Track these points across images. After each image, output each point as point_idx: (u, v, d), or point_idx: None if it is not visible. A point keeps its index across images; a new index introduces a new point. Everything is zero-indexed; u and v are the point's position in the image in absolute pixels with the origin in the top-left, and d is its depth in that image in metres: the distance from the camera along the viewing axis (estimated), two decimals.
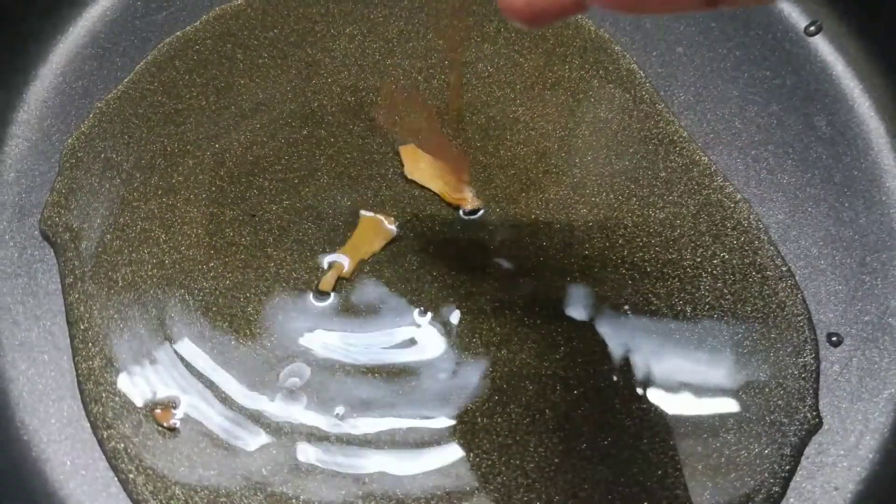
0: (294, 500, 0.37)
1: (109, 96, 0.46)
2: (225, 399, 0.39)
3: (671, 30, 0.49)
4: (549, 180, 0.44)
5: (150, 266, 0.42)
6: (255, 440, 0.38)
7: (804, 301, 0.42)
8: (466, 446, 0.38)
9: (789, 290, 0.42)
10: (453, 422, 0.38)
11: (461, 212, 0.43)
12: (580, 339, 0.40)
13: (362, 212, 0.43)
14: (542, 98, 0.46)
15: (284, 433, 0.38)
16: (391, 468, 0.38)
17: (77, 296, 0.41)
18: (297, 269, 0.42)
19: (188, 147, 0.45)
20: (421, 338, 0.40)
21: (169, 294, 0.41)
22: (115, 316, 0.40)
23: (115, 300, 0.41)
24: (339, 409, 0.39)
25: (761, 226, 0.43)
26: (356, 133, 0.45)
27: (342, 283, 0.41)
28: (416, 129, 0.40)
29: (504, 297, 0.41)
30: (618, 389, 0.39)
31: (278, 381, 0.39)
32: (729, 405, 0.39)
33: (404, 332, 0.40)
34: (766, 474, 0.38)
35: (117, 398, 0.39)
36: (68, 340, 0.40)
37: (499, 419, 0.39)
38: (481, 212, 0.43)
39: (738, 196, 0.44)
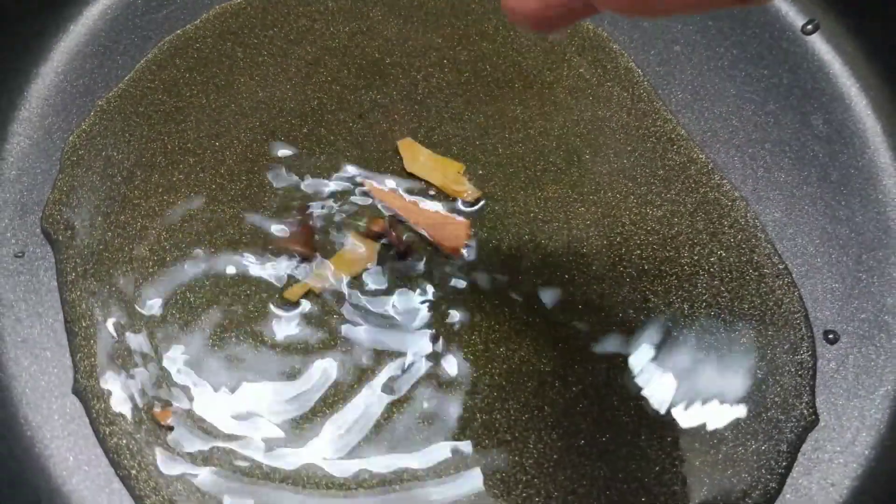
0: (295, 498, 0.37)
1: (110, 94, 0.46)
2: (226, 397, 0.39)
3: (669, 28, 0.49)
4: (547, 178, 0.44)
5: (150, 263, 0.42)
6: (257, 435, 0.38)
7: (801, 298, 0.42)
8: (465, 444, 0.38)
9: (786, 287, 0.42)
10: (452, 419, 0.39)
11: (461, 203, 0.43)
12: (578, 337, 0.40)
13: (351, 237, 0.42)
14: (541, 96, 0.46)
15: (285, 431, 0.38)
16: (391, 468, 0.38)
17: (78, 293, 0.41)
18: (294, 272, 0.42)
19: (189, 145, 0.45)
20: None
21: (170, 292, 0.41)
22: (116, 313, 0.41)
23: (116, 297, 0.41)
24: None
25: (758, 224, 0.43)
26: (356, 131, 0.45)
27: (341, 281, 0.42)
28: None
29: (503, 294, 0.41)
30: (616, 387, 0.39)
31: (286, 375, 0.39)
32: (726, 402, 0.39)
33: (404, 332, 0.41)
34: (763, 470, 0.38)
35: (118, 395, 0.39)
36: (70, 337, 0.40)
37: (497, 416, 0.39)
38: (481, 203, 0.43)
39: (736, 194, 0.44)
